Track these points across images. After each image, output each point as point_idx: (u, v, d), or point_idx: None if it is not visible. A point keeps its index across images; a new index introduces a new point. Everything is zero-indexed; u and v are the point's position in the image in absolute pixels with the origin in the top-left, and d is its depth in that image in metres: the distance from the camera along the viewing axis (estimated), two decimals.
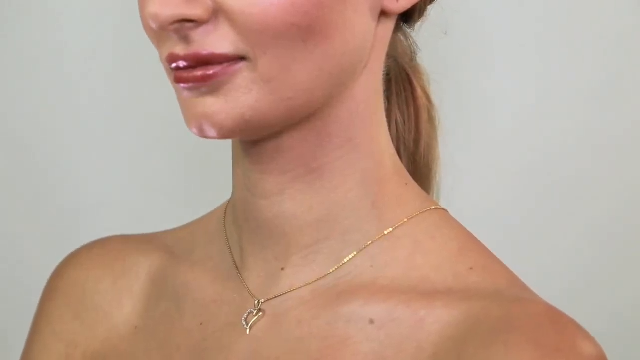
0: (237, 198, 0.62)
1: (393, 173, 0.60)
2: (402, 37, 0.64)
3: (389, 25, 0.59)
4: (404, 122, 0.67)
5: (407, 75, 0.67)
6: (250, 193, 0.60)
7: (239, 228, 0.62)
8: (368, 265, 0.58)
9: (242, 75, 0.52)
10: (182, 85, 0.53)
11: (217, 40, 0.52)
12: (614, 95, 1.01)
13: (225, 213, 0.66)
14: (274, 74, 0.52)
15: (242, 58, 0.52)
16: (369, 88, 0.59)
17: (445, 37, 0.67)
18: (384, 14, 0.57)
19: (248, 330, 0.60)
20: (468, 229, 0.61)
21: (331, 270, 0.59)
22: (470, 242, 0.60)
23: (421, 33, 0.65)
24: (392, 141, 0.65)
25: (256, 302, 0.60)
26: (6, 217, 1.11)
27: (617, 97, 1.01)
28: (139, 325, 0.67)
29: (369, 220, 0.59)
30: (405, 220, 0.59)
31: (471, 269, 0.57)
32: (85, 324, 0.69)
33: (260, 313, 0.60)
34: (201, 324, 0.63)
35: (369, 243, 0.59)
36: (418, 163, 0.68)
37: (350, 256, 0.59)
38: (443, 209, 0.62)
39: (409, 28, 0.63)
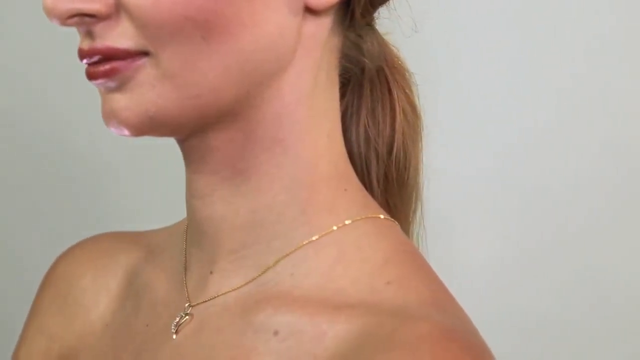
0: (186, 199, 0.61)
1: (330, 178, 0.57)
2: (363, 37, 0.60)
3: (322, 22, 0.55)
4: (377, 127, 0.63)
5: (385, 77, 0.63)
6: (189, 193, 0.58)
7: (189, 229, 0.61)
8: (289, 274, 0.55)
9: (145, 71, 0.51)
10: (92, 81, 0.53)
11: (118, 36, 0.51)
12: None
13: None
14: (176, 71, 0.51)
15: (145, 53, 0.51)
16: (300, 88, 0.55)
17: (420, 36, 0.63)
18: (310, 10, 0.54)
19: (174, 335, 0.58)
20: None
21: (255, 277, 0.56)
22: (400, 254, 0.55)
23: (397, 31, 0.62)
24: (360, 146, 0.62)
25: (187, 305, 0.59)
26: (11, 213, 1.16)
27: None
28: (110, 323, 0.67)
29: (297, 226, 0.56)
30: (335, 228, 0.56)
31: (388, 283, 0.53)
32: (66, 319, 0.70)
33: (188, 317, 0.58)
34: (147, 325, 0.62)
35: (292, 250, 0.56)
36: (390, 170, 0.63)
37: (272, 263, 0.56)
38: (385, 218, 0.58)
39: (360, 28, 0.59)
